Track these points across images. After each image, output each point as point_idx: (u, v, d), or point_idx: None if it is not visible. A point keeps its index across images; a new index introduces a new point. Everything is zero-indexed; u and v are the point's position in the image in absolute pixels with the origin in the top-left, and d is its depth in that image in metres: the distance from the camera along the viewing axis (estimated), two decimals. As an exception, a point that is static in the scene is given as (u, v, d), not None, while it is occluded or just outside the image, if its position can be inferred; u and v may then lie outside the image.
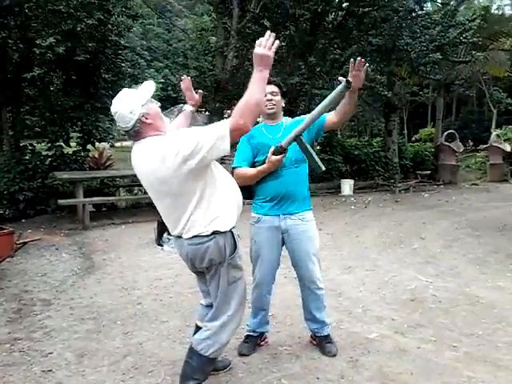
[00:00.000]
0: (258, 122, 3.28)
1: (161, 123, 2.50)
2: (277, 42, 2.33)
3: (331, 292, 4.51)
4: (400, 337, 3.67)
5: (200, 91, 3.17)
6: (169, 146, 2.33)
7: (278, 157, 2.94)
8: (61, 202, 8.20)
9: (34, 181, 8.98)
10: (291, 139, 2.89)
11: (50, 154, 9.81)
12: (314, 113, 2.86)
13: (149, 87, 2.49)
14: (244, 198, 2.74)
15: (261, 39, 2.32)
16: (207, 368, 2.67)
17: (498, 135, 16.60)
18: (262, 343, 3.52)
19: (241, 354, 3.35)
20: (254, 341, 3.46)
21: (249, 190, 3.23)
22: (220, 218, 2.47)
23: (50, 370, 3.18)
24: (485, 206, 10.61)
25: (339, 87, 2.77)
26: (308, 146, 2.91)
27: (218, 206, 2.46)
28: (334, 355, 3.31)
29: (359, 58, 2.86)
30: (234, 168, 3.18)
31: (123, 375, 3.11)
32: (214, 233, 2.45)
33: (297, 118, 3.30)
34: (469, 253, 6.32)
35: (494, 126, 27.42)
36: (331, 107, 2.93)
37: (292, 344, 3.53)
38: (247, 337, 3.47)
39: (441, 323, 3.93)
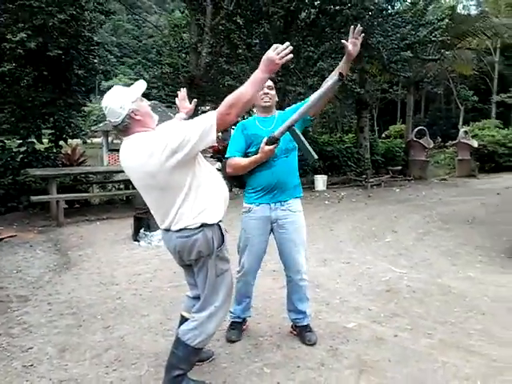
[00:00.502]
0: (251, 114, 3.36)
1: (150, 120, 2.53)
2: (290, 55, 2.39)
3: (309, 284, 4.58)
4: (377, 326, 3.78)
5: (194, 100, 3.30)
6: (157, 140, 2.37)
7: (271, 147, 3.00)
8: (34, 198, 8.07)
9: (5, 177, 8.84)
10: (284, 130, 2.95)
11: (21, 150, 9.65)
12: (306, 105, 2.92)
13: (140, 85, 2.53)
14: (237, 187, 2.82)
15: (279, 46, 2.38)
16: (193, 358, 2.72)
17: (465, 132, 17.03)
18: (244, 327, 3.64)
19: (230, 341, 3.45)
20: (240, 327, 3.57)
21: (241, 180, 3.31)
22: (207, 210, 2.51)
23: (32, 365, 3.17)
24: (454, 200, 10.91)
25: (332, 81, 2.84)
26: (301, 136, 2.96)
27: (205, 199, 2.51)
28: (314, 344, 3.40)
29: (359, 26, 2.96)
30: (227, 158, 3.24)
31: (106, 368, 3.12)
32: (202, 225, 2.50)
33: (288, 108, 3.37)
34: (440, 245, 6.51)
35: (461, 123, 28.16)
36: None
37: (273, 334, 3.61)
38: (232, 323, 3.56)
39: (415, 312, 4.06)
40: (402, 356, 3.25)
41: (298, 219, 3.36)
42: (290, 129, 2.94)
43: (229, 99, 2.34)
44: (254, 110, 3.43)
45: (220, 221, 2.61)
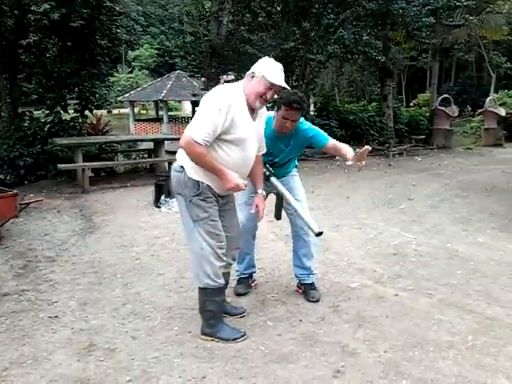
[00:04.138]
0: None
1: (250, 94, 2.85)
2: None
3: (319, 247, 4.76)
4: (380, 286, 3.95)
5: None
6: None
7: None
8: (60, 166, 8.42)
9: (34, 147, 9.16)
10: (276, 192, 3.39)
11: (48, 120, 9.97)
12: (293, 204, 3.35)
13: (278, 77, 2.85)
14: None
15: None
16: (211, 298, 2.99)
17: (493, 99, 16.66)
18: (253, 284, 3.86)
19: (238, 294, 3.70)
20: (246, 281, 3.80)
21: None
22: (193, 167, 2.86)
23: (56, 316, 3.47)
24: (476, 168, 10.84)
25: (313, 226, 3.27)
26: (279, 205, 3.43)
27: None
28: (317, 300, 3.60)
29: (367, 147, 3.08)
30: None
31: (123, 319, 3.40)
32: (182, 167, 2.90)
33: (308, 133, 3.44)
34: (454, 212, 6.59)
35: (492, 91, 27.35)
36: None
37: (279, 292, 3.82)
38: (239, 279, 3.80)
39: (419, 274, 4.21)
40: (399, 313, 3.43)
41: (295, 178, 3.62)
42: (280, 199, 3.39)
43: (192, 151, 2.75)
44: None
45: (199, 181, 2.86)
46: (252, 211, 3.16)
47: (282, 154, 3.47)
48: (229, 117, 2.72)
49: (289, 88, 2.97)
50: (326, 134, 3.49)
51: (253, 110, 2.89)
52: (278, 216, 3.50)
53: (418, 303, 3.60)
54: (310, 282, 3.70)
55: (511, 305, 3.54)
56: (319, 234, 3.19)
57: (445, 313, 3.42)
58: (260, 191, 3.20)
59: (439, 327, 3.20)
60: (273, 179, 3.36)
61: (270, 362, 2.79)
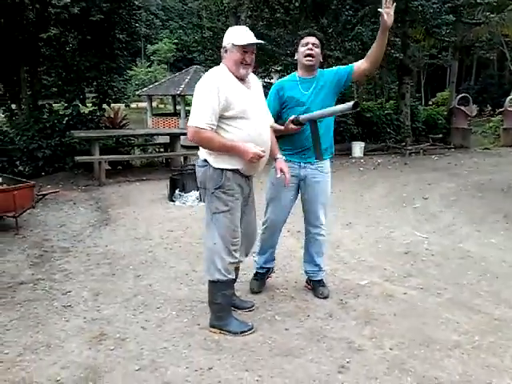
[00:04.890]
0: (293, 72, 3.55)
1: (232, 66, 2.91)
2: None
3: (330, 244, 4.80)
4: (389, 284, 3.97)
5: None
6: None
7: (295, 127, 3.25)
8: (78, 158, 8.55)
9: (52, 139, 9.29)
10: (311, 118, 3.21)
11: (67, 113, 10.12)
12: (329, 111, 3.23)
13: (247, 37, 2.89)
14: None
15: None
16: (220, 291, 3.04)
17: (512, 99, 16.40)
18: (269, 277, 3.88)
19: (252, 292, 3.70)
20: (263, 277, 3.80)
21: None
22: (213, 155, 2.91)
23: (70, 305, 3.56)
24: (492, 169, 10.71)
25: (345, 106, 3.09)
26: (318, 133, 3.26)
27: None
28: (326, 297, 3.63)
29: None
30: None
31: (134, 310, 3.47)
32: (206, 161, 2.95)
33: (331, 68, 3.49)
34: (468, 212, 6.55)
35: (513, 90, 26.92)
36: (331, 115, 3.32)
37: (288, 287, 3.86)
38: (256, 274, 3.80)
39: (429, 273, 4.22)
40: (407, 311, 3.44)
41: (325, 179, 3.54)
42: (314, 123, 3.21)
43: (201, 138, 2.82)
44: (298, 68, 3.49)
45: (224, 169, 2.90)
46: (278, 176, 3.16)
47: (313, 100, 3.37)
48: (221, 95, 2.79)
49: (261, 41, 3.07)
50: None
51: (243, 81, 2.95)
52: (318, 155, 3.37)
53: (426, 302, 3.61)
54: (320, 278, 3.73)
55: (521, 306, 3.53)
56: (355, 104, 3.02)
57: (453, 312, 3.43)
58: (280, 155, 3.22)
59: (446, 326, 3.21)
60: (302, 116, 3.26)
61: (276, 356, 2.83)
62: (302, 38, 3.39)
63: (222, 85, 2.81)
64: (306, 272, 3.77)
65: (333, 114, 3.32)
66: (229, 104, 2.81)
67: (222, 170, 2.89)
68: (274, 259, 3.86)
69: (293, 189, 3.52)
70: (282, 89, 3.43)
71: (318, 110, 3.27)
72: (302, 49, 3.37)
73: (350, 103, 3.02)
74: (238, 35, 2.88)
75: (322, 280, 3.74)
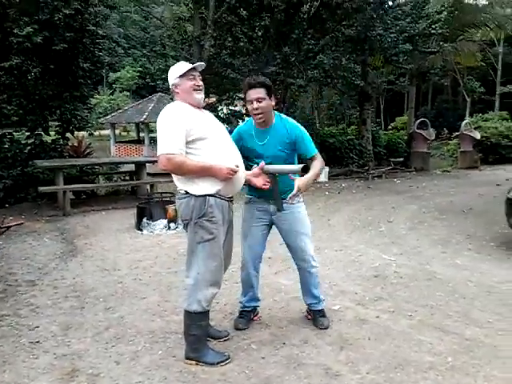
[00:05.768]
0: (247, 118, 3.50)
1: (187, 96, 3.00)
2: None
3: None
4: (361, 308, 4.01)
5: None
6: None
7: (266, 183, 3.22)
8: (41, 189, 8.37)
9: (14, 169, 9.09)
10: (274, 171, 3.21)
11: (29, 142, 9.94)
12: (291, 169, 3.20)
13: (186, 65, 3.02)
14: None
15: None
16: (196, 322, 3.00)
17: (468, 123, 17.10)
18: (255, 318, 3.76)
19: (237, 329, 3.59)
20: (248, 315, 3.71)
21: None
22: (195, 183, 2.92)
23: (38, 342, 3.44)
24: (453, 191, 11.06)
25: (294, 167, 3.17)
26: (276, 188, 3.27)
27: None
28: (326, 328, 3.57)
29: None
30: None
31: (106, 344, 3.38)
32: (187, 193, 2.93)
33: (296, 131, 3.35)
34: (432, 234, 6.73)
35: (468, 115, 28.02)
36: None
37: (263, 315, 3.84)
38: (241, 312, 3.72)
39: (399, 296, 4.29)
40: (381, 335, 3.48)
41: (297, 209, 3.47)
42: (274, 176, 3.23)
43: (175, 164, 2.83)
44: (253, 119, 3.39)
45: (206, 195, 2.90)
46: (264, 187, 3.19)
47: (272, 153, 3.32)
48: (185, 120, 2.88)
49: (201, 63, 3.12)
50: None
51: (199, 108, 3.06)
52: (279, 206, 3.35)
53: (398, 325, 3.67)
54: (320, 308, 3.70)
55: (489, 325, 3.62)
56: (304, 168, 3.07)
57: (425, 334, 3.49)
58: (249, 174, 3.23)
59: (420, 348, 3.27)
60: (266, 166, 3.19)
61: (254, 385, 2.81)
62: (246, 91, 3.27)
63: (182, 113, 2.92)
64: (307, 304, 3.73)
65: (280, 172, 3.22)
66: (190, 129, 2.87)
67: (205, 197, 2.90)
68: (258, 299, 3.78)
69: (264, 223, 3.51)
70: (241, 138, 3.40)
71: (271, 159, 3.28)
72: (249, 106, 3.28)
73: (300, 166, 3.09)
74: (179, 68, 3.02)
75: (322, 310, 3.70)
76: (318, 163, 3.35)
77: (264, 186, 3.20)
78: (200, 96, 3.02)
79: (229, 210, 3.10)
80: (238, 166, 2.94)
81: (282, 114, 3.49)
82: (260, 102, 3.21)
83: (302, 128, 3.43)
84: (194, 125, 2.89)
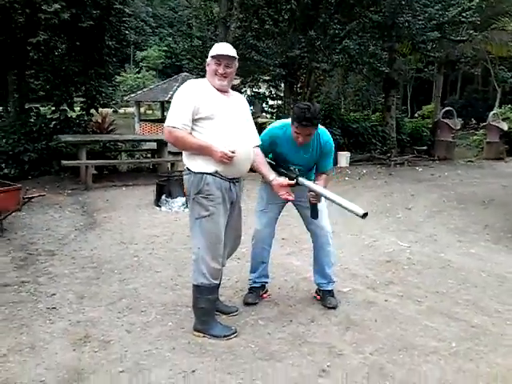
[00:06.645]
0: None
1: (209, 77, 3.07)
2: None
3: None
4: (371, 291, 4.04)
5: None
6: None
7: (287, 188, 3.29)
8: (64, 162, 8.54)
9: (39, 143, 9.28)
10: (308, 187, 3.31)
11: (54, 117, 10.11)
12: (328, 196, 3.29)
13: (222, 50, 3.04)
14: None
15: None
16: (204, 296, 3.09)
17: (496, 114, 16.73)
18: (265, 296, 3.83)
19: (246, 303, 3.67)
20: (257, 291, 3.78)
21: None
22: (195, 160, 3.01)
23: (54, 308, 3.58)
24: (475, 181, 10.91)
25: (354, 209, 3.22)
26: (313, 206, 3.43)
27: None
28: (334, 307, 3.63)
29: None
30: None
31: (119, 313, 3.50)
32: (188, 169, 3.06)
33: (326, 145, 3.47)
34: (450, 223, 6.68)
35: (497, 105, 27.36)
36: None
37: (272, 294, 3.91)
38: (250, 288, 3.79)
39: (410, 282, 4.30)
40: (388, 318, 3.52)
41: None
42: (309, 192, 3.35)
43: (175, 137, 2.95)
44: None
45: (204, 173, 2.98)
46: (288, 198, 3.29)
47: (303, 162, 3.45)
48: (196, 97, 2.95)
49: (233, 55, 3.05)
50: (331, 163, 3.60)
51: (223, 92, 3.08)
52: (314, 215, 3.48)
53: (406, 309, 3.69)
54: (330, 288, 3.75)
55: (498, 315, 3.62)
56: (365, 215, 3.13)
57: (432, 319, 3.51)
58: (272, 177, 3.27)
59: (425, 333, 3.29)
60: (301, 179, 3.28)
61: (258, 360, 2.88)
62: (296, 120, 3.21)
63: (196, 91, 3.00)
64: (316, 283, 3.78)
65: (335, 203, 3.26)
66: (198, 107, 2.94)
67: (202, 174, 2.97)
68: (268, 276, 3.85)
69: (282, 202, 3.55)
70: (275, 143, 3.42)
71: (302, 165, 3.41)
72: (294, 134, 3.27)
73: (361, 211, 3.14)
74: (215, 49, 3.05)
75: (331, 290, 3.75)
76: (326, 181, 3.56)
77: (289, 198, 3.30)
78: (220, 82, 3.03)
79: (233, 191, 3.12)
80: (233, 152, 2.94)
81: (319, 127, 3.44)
82: (309, 136, 3.30)
83: (333, 143, 3.54)
84: (204, 104, 2.95)
